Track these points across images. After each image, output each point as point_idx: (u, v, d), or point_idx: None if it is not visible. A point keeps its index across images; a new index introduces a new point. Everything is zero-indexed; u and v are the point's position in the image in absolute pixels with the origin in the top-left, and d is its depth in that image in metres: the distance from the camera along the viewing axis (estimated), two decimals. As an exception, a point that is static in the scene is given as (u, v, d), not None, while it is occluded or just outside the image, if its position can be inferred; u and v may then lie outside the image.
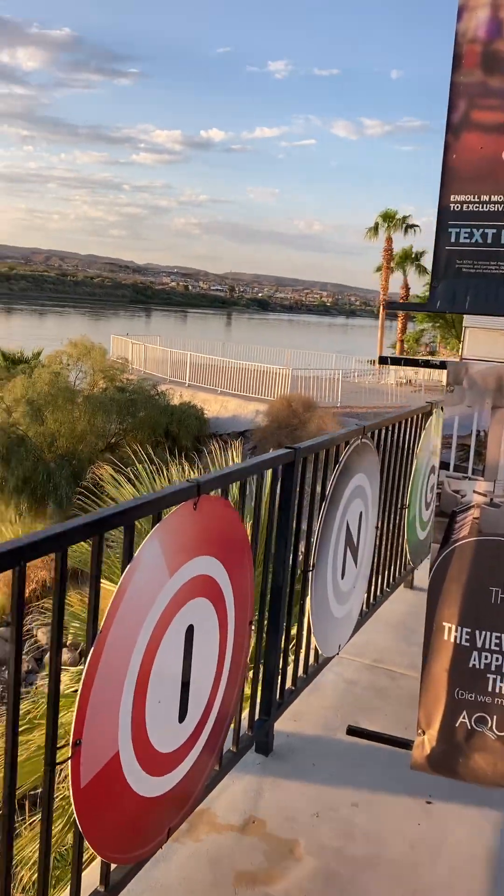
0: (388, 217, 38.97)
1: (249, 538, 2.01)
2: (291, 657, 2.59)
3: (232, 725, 2.09)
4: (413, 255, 39.50)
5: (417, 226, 39.50)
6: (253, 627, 2.11)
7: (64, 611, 1.50)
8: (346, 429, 2.63)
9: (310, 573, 2.43)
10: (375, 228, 39.27)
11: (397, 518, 3.51)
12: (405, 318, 39.45)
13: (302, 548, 2.45)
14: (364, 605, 3.16)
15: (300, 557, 2.42)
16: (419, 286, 37.88)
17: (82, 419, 16.11)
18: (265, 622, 2.29)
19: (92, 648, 1.44)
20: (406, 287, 39.71)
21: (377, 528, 3.13)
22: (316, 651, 2.70)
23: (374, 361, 35.69)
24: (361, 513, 2.88)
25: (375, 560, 3.22)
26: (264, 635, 2.28)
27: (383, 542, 3.34)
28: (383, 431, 3.06)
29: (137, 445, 16.67)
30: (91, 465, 16.13)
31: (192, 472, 6.41)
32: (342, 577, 2.77)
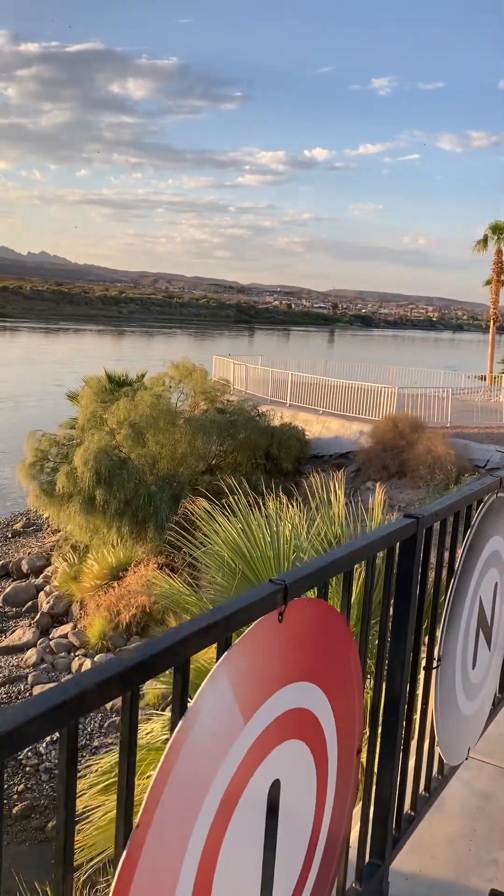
0: (497, 229, 37.51)
1: (357, 642, 1.50)
2: (409, 773, 2.04)
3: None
4: (524, 267, 37.82)
5: (529, 236, 37.82)
6: (362, 754, 1.60)
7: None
8: (478, 481, 2.08)
9: (434, 671, 1.89)
10: (485, 240, 37.87)
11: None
12: (517, 333, 37.79)
13: (423, 638, 1.91)
14: (497, 691, 2.56)
15: (422, 652, 1.89)
16: (531, 298, 36.18)
17: (183, 441, 15.95)
18: (377, 742, 1.76)
19: (124, 854, 0.97)
20: (517, 299, 38.00)
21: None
22: (440, 760, 2.14)
23: (484, 377, 34.30)
24: (497, 584, 2.31)
25: (511, 634, 2.62)
26: (376, 758, 1.76)
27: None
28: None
29: (233, 472, 16.38)
30: (192, 486, 15.99)
31: (289, 507, 5.93)
32: (473, 667, 2.21)
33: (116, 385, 19.85)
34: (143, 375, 20.80)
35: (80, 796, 5.29)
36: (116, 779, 4.06)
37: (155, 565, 14.41)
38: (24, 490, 16.83)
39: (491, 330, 39.37)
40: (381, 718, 1.75)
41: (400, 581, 1.70)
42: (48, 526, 20.00)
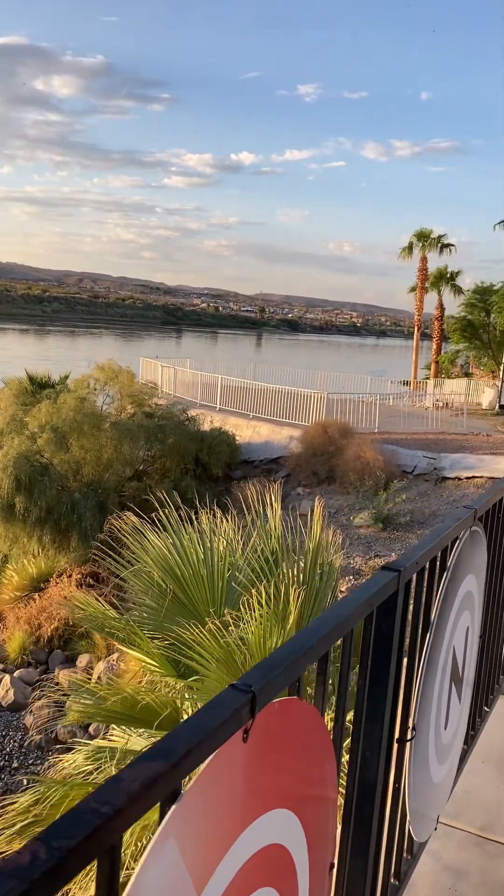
0: (422, 236, 38.20)
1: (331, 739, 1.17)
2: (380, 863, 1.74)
3: None
4: (448, 275, 38.64)
5: (453, 245, 38.70)
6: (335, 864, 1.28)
7: None
8: (453, 519, 1.79)
9: (408, 742, 1.60)
10: (410, 248, 38.53)
11: (500, 611, 2.65)
12: (440, 339, 38.55)
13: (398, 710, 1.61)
14: (463, 743, 2.30)
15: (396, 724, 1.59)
16: (454, 306, 36.98)
17: (109, 446, 15.39)
18: (348, 841, 1.45)
19: None
20: (441, 307, 38.80)
21: (481, 636, 2.28)
22: (409, 838, 1.85)
23: (408, 383, 34.80)
24: (468, 628, 2.04)
25: (476, 678, 2.37)
26: (347, 860, 1.44)
27: (484, 650, 2.49)
28: (494, 508, 2.22)
29: (161, 479, 15.95)
30: (118, 493, 15.47)
31: (225, 521, 5.60)
32: (445, 727, 1.93)
33: (38, 387, 19.09)
34: (66, 377, 20.09)
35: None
36: (35, 818, 3.56)
37: (79, 576, 13.85)
38: None
39: (415, 336, 40.04)
40: (353, 812, 1.44)
41: (377, 649, 1.39)
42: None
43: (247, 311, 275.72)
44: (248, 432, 19.43)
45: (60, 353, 73.67)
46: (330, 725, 1.21)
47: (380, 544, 13.52)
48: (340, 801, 1.37)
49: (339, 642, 1.17)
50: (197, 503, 6.06)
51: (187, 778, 0.81)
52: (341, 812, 1.41)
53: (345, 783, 1.43)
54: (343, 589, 11.47)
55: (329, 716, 1.23)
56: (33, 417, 15.41)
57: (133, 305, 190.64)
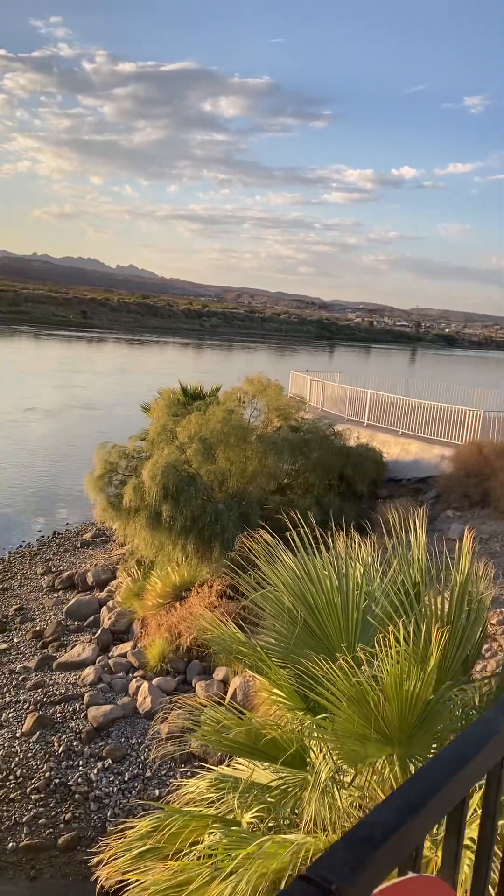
0: None
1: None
2: None
3: None
4: None
5: None
6: None
7: None
8: None
9: None
10: None
11: None
12: None
13: None
14: None
15: None
16: None
17: (254, 459, 15.37)
18: None
19: None
20: None
21: None
22: None
23: None
24: None
25: None
26: None
27: None
28: None
29: (305, 493, 15.69)
30: (261, 506, 15.39)
31: (362, 544, 5.24)
32: None
33: (190, 398, 19.48)
34: (217, 389, 20.38)
35: (112, 861, 4.72)
36: (151, 845, 3.36)
37: (219, 587, 13.86)
38: (93, 502, 16.55)
39: None
40: None
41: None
42: (116, 538, 19.75)
43: (402, 325, 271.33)
44: (396, 449, 18.81)
45: (216, 366, 75.61)
46: None
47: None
48: None
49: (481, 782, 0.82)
50: (332, 523, 5.72)
51: None
52: None
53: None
54: (494, 622, 10.68)
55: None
56: (183, 428, 15.66)
57: (288, 320, 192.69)
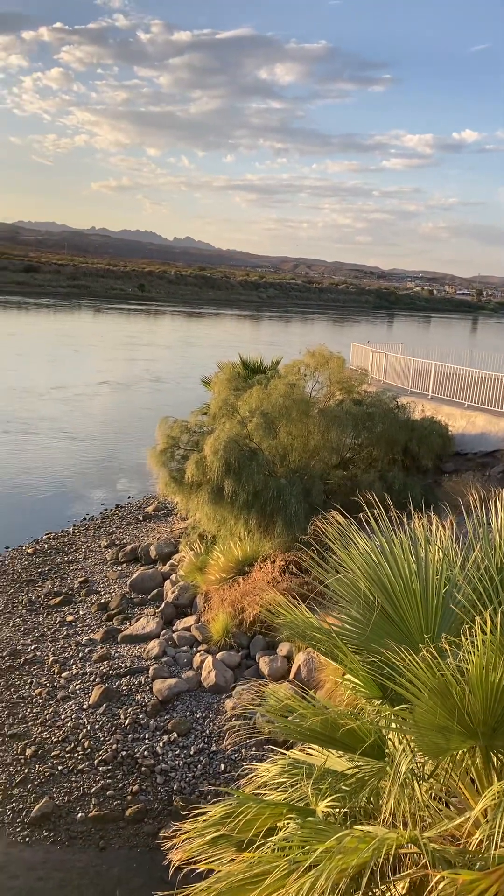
0: None
1: None
2: None
3: None
4: None
5: None
6: None
7: None
8: None
9: None
10: None
11: None
12: None
13: None
14: None
15: None
16: None
17: (316, 433, 15.12)
18: None
19: None
20: None
21: None
22: None
23: None
24: None
25: None
26: None
27: None
28: None
29: (368, 468, 15.39)
30: (323, 480, 15.18)
31: (441, 528, 5.00)
32: None
33: (251, 372, 19.30)
34: (277, 363, 20.15)
35: (185, 842, 4.67)
36: (225, 832, 3.25)
37: (282, 563, 13.76)
38: (155, 476, 16.60)
39: None
40: None
41: None
42: (178, 512, 19.84)
43: (463, 294, 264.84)
44: (461, 422, 18.29)
45: (276, 337, 75.20)
46: None
47: None
48: None
49: None
50: (398, 499, 5.48)
51: None
52: None
53: None
54: None
55: None
56: (244, 402, 15.51)
57: (346, 290, 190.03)
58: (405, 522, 5.20)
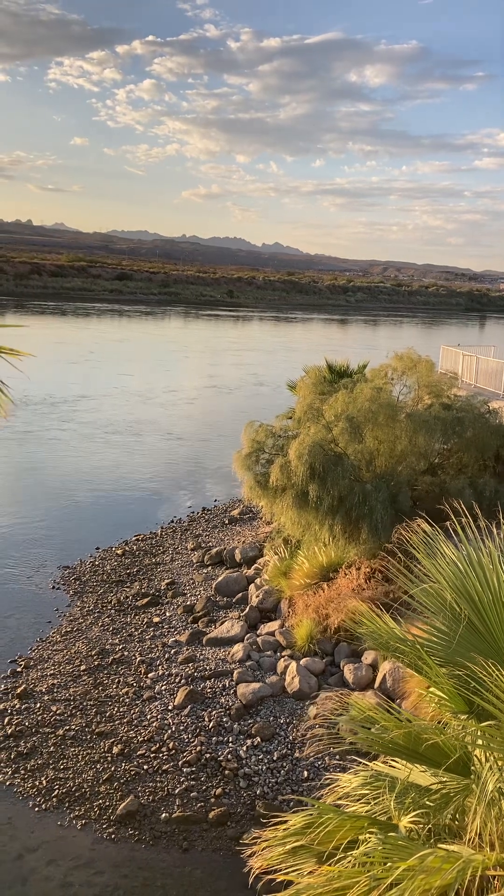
0: None
1: None
2: None
3: None
4: None
5: None
6: None
7: None
8: None
9: None
10: None
11: None
12: None
13: None
14: None
15: None
16: None
17: (403, 438, 14.84)
18: None
19: None
20: None
21: None
22: None
23: None
24: None
25: None
26: None
27: None
28: None
29: (457, 474, 14.97)
30: (411, 487, 14.88)
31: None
32: None
33: (337, 376, 19.15)
34: (364, 366, 19.92)
35: (265, 850, 4.64)
36: (305, 843, 3.20)
37: (367, 570, 13.57)
38: (240, 480, 16.70)
39: None
40: None
41: None
42: (262, 516, 19.89)
43: None
44: None
45: (362, 341, 74.56)
46: None
47: None
48: None
49: None
50: (500, 509, 5.30)
51: None
52: None
53: None
54: None
55: None
56: (330, 406, 15.39)
57: (436, 293, 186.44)
58: (495, 531, 5.01)
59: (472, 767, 4.24)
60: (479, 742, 4.04)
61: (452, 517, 4.82)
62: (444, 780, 4.39)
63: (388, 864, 3.69)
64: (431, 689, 4.61)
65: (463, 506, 5.05)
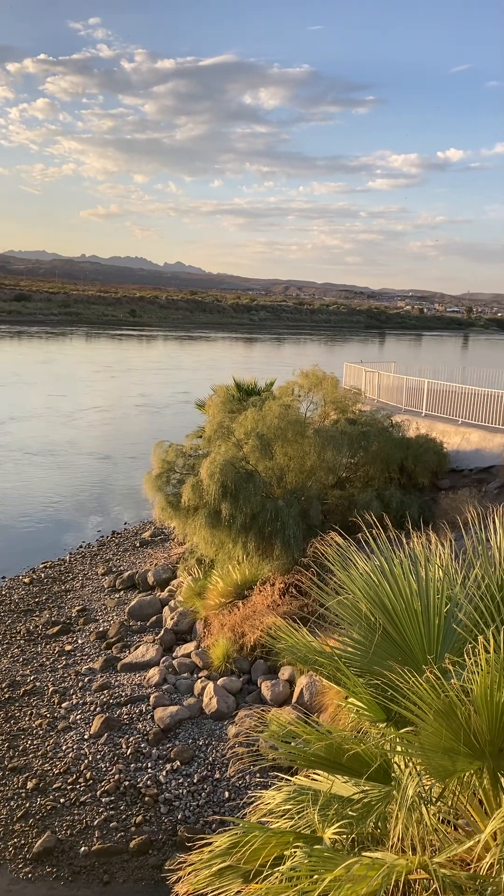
0: None
1: None
2: None
3: None
4: None
5: None
6: None
7: None
8: None
9: None
10: None
11: None
12: None
13: None
14: None
15: None
16: None
17: (312, 453, 15.10)
18: None
19: None
20: None
21: None
22: None
23: None
24: None
25: None
26: None
27: None
28: None
29: (364, 487, 15.37)
30: (321, 501, 15.14)
31: (440, 546, 4.98)
32: None
33: (245, 394, 19.32)
34: (271, 384, 20.17)
35: (190, 874, 4.59)
36: (231, 863, 3.19)
37: (282, 585, 13.69)
38: (151, 501, 16.54)
39: None
40: None
41: None
42: (175, 537, 19.76)
43: (453, 311, 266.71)
44: (456, 439, 18.31)
45: (265, 360, 75.47)
46: None
47: None
48: None
49: None
50: (407, 519, 5.48)
51: None
52: None
53: None
54: None
55: None
56: (239, 424, 15.50)
57: (337, 311, 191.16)
58: (404, 541, 5.17)
59: (393, 774, 4.34)
60: (399, 748, 4.14)
61: (364, 529, 4.95)
62: (366, 788, 4.47)
63: (315, 876, 3.72)
64: (350, 700, 4.69)
65: (373, 517, 5.18)
